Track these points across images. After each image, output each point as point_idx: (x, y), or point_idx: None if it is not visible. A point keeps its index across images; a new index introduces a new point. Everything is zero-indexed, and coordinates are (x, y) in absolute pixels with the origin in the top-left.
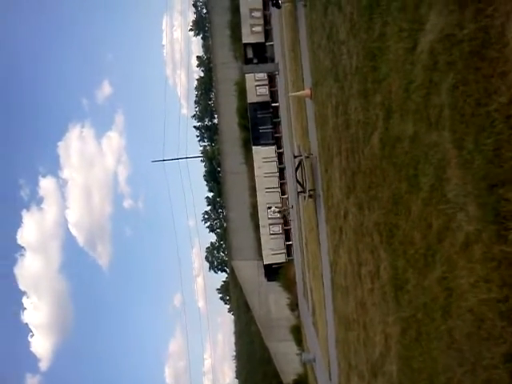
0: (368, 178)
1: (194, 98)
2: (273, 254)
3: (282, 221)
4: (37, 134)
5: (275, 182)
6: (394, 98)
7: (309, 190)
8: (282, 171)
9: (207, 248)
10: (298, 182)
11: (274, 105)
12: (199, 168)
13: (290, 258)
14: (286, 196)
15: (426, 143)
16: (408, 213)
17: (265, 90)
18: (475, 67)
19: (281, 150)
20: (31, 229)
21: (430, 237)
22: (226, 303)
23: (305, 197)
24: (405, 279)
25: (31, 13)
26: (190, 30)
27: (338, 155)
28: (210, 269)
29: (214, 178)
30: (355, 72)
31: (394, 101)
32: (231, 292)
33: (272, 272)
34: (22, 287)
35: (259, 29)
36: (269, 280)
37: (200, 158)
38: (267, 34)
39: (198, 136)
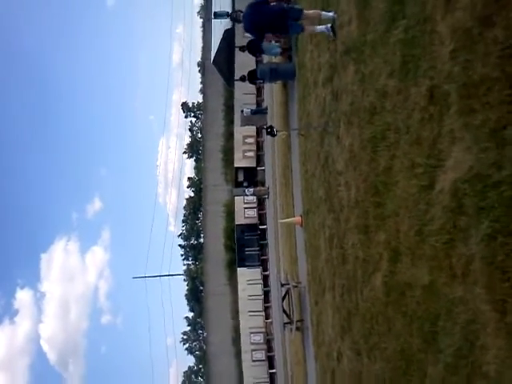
0: (368, 323)
1: (182, 217)
2: (255, 383)
3: (265, 346)
4: (22, 244)
5: (259, 305)
6: (402, 240)
7: (296, 321)
8: (266, 294)
9: (185, 372)
10: (284, 312)
11: (261, 227)
12: (181, 286)
13: None
14: (270, 320)
15: (448, 297)
16: (423, 376)
17: (253, 213)
18: None
19: (266, 273)
20: (0, 344)
21: None
22: None
23: (291, 329)
24: None
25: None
26: (184, 152)
27: (331, 290)
28: None
29: (195, 297)
30: (354, 205)
31: (403, 242)
32: None
33: None
34: None
35: (251, 154)
36: None
37: (183, 277)
38: (259, 159)
39: (182, 255)
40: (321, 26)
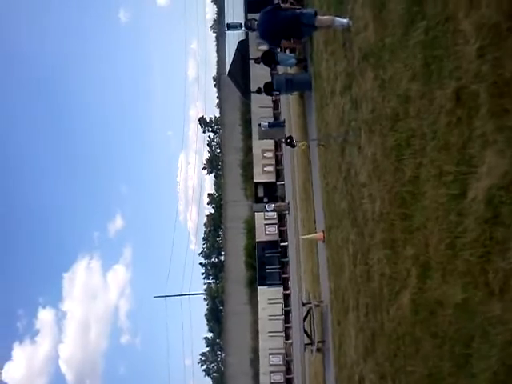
0: (394, 344)
1: (203, 235)
2: None
3: (284, 368)
4: (45, 263)
5: (280, 325)
6: (432, 254)
7: (318, 342)
8: (287, 314)
9: None
10: (305, 332)
11: (282, 244)
12: (201, 305)
13: None
14: (290, 341)
15: (484, 317)
16: None
17: (274, 229)
18: None
19: (288, 292)
20: (20, 364)
21: None
22: None
23: (312, 350)
24: None
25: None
26: (204, 168)
27: (355, 309)
28: None
29: (215, 317)
30: (379, 218)
31: (433, 257)
32: None
33: None
34: None
35: (271, 168)
36: None
37: (203, 296)
38: (278, 173)
39: (203, 273)
40: (339, 19)
